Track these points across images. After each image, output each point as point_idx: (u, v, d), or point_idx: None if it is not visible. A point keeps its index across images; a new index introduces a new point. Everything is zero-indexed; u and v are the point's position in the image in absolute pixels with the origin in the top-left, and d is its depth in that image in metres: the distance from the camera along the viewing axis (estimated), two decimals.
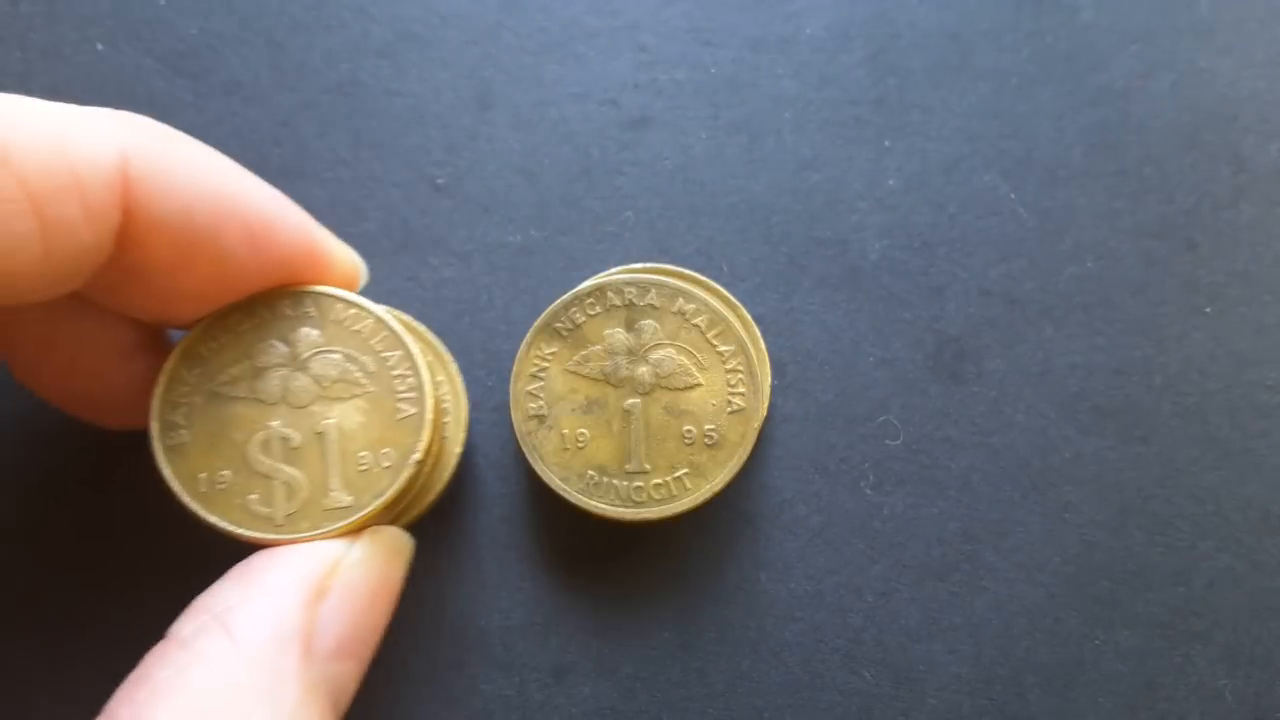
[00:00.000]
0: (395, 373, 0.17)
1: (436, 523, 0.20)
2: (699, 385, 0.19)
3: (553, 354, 0.19)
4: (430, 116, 0.22)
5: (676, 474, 0.19)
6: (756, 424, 0.19)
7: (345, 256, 0.18)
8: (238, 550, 0.16)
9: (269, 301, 0.17)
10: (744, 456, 0.19)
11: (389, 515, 0.17)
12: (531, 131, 0.22)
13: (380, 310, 0.17)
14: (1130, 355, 0.21)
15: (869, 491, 0.20)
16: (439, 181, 0.22)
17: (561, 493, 0.19)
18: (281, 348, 0.17)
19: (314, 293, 0.17)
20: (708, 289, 0.20)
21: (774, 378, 0.21)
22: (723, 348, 0.19)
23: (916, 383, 0.21)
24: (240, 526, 0.16)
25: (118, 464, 0.20)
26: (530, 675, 0.20)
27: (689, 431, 0.19)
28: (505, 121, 0.22)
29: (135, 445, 0.18)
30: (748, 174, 0.22)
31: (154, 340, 0.18)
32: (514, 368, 0.19)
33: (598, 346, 0.19)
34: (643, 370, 0.19)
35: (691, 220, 0.22)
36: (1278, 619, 0.20)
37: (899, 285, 0.21)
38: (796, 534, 0.20)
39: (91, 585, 0.20)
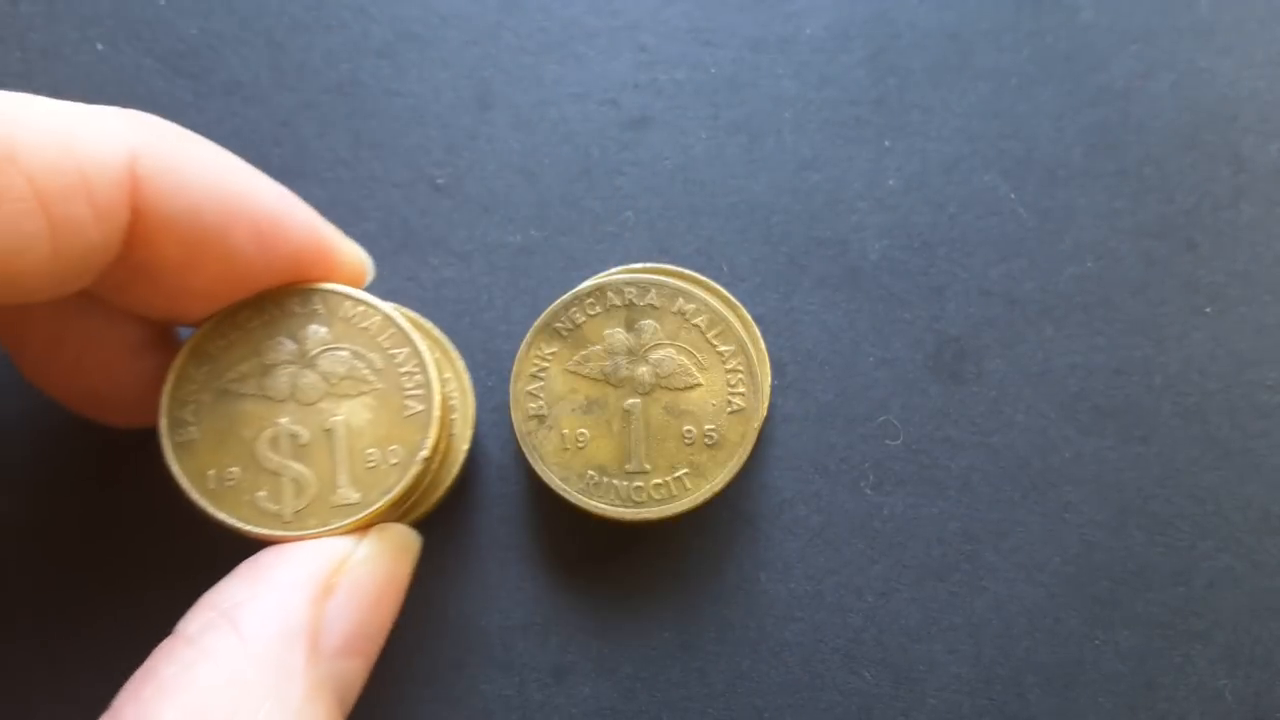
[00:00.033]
0: (403, 370, 0.17)
1: (437, 523, 0.20)
2: (699, 385, 0.19)
3: (553, 354, 0.19)
4: (430, 116, 0.22)
5: (676, 474, 0.19)
6: (756, 424, 0.19)
7: (352, 253, 0.18)
8: (246, 547, 0.16)
9: (277, 299, 0.17)
10: (744, 456, 0.19)
11: (396, 512, 0.17)
12: (531, 131, 0.22)
13: (388, 307, 0.18)
14: (1130, 355, 0.21)
15: (869, 491, 0.20)
16: (439, 181, 0.22)
17: (561, 493, 0.19)
18: (290, 345, 0.17)
19: (322, 290, 0.17)
20: (708, 289, 0.20)
21: (774, 378, 0.21)
22: (723, 348, 0.19)
23: (916, 383, 0.21)
24: (248, 523, 0.16)
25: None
26: (530, 675, 0.20)
27: (689, 431, 0.19)
28: (505, 121, 0.22)
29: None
30: (748, 174, 0.22)
31: (162, 338, 0.18)
32: (514, 368, 0.19)
33: (598, 346, 0.19)
34: (643, 370, 0.19)
35: (691, 220, 0.22)
36: (1278, 619, 0.20)
37: (899, 285, 0.21)
38: (796, 534, 0.20)
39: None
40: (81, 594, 0.20)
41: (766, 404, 0.20)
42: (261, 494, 0.17)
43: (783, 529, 0.20)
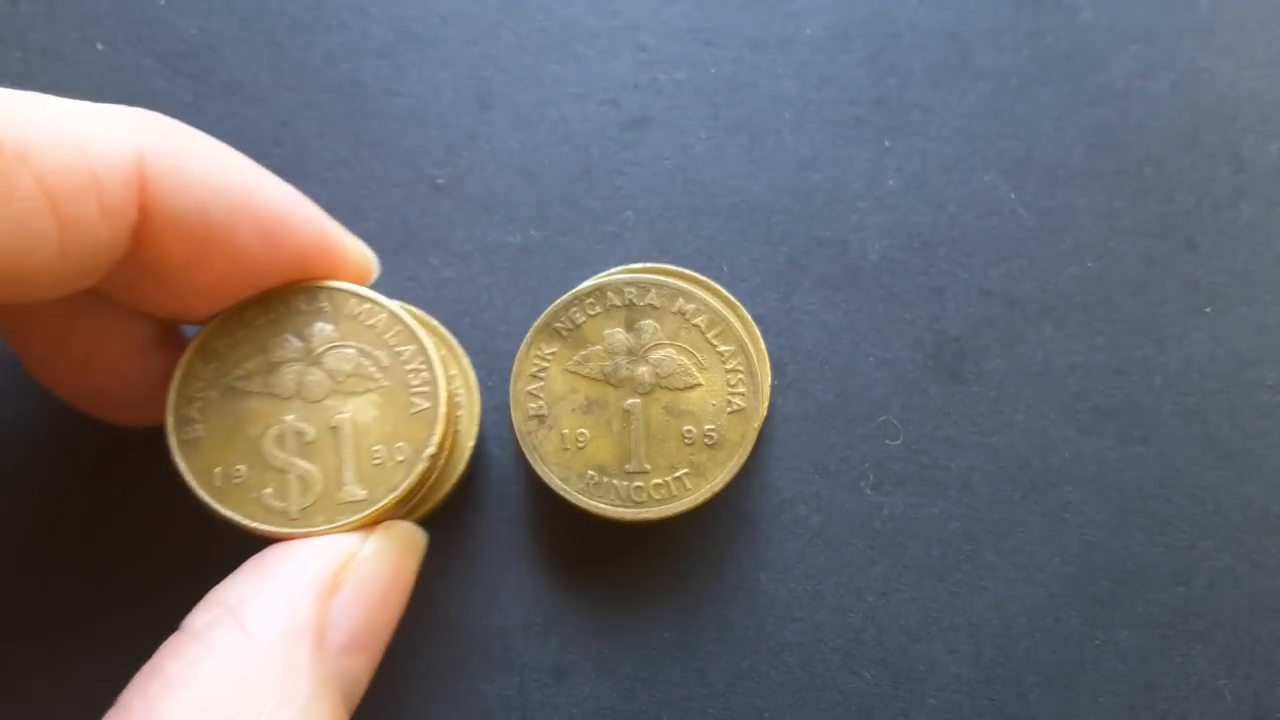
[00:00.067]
0: (409, 367, 0.17)
1: (437, 523, 0.19)
2: (699, 385, 0.19)
3: (553, 354, 0.19)
4: (430, 116, 0.22)
5: (676, 474, 0.19)
6: (756, 424, 0.19)
7: (357, 251, 0.18)
8: (252, 544, 0.16)
9: (283, 297, 0.17)
10: (744, 456, 0.19)
11: (403, 509, 0.17)
12: (531, 131, 0.22)
13: (394, 305, 0.18)
14: (1130, 355, 0.21)
15: (869, 491, 0.20)
16: (439, 181, 0.22)
17: (561, 493, 0.19)
18: (296, 343, 0.17)
19: (328, 288, 0.18)
20: (708, 289, 0.20)
21: (774, 378, 0.21)
22: (723, 348, 0.19)
23: (916, 383, 0.21)
24: (255, 520, 0.17)
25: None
26: (530, 675, 0.20)
27: (689, 431, 0.19)
28: (505, 121, 0.22)
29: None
30: (748, 174, 0.22)
31: (168, 336, 0.18)
32: (514, 368, 0.19)
33: (598, 346, 0.19)
34: (643, 370, 0.19)
35: (691, 220, 0.22)
36: (1278, 619, 0.20)
37: (899, 285, 0.21)
38: (796, 534, 0.20)
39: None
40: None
41: (766, 404, 0.20)
42: (268, 491, 0.17)
43: (783, 529, 0.20)
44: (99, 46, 0.22)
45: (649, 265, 0.20)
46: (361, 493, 0.17)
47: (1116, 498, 0.20)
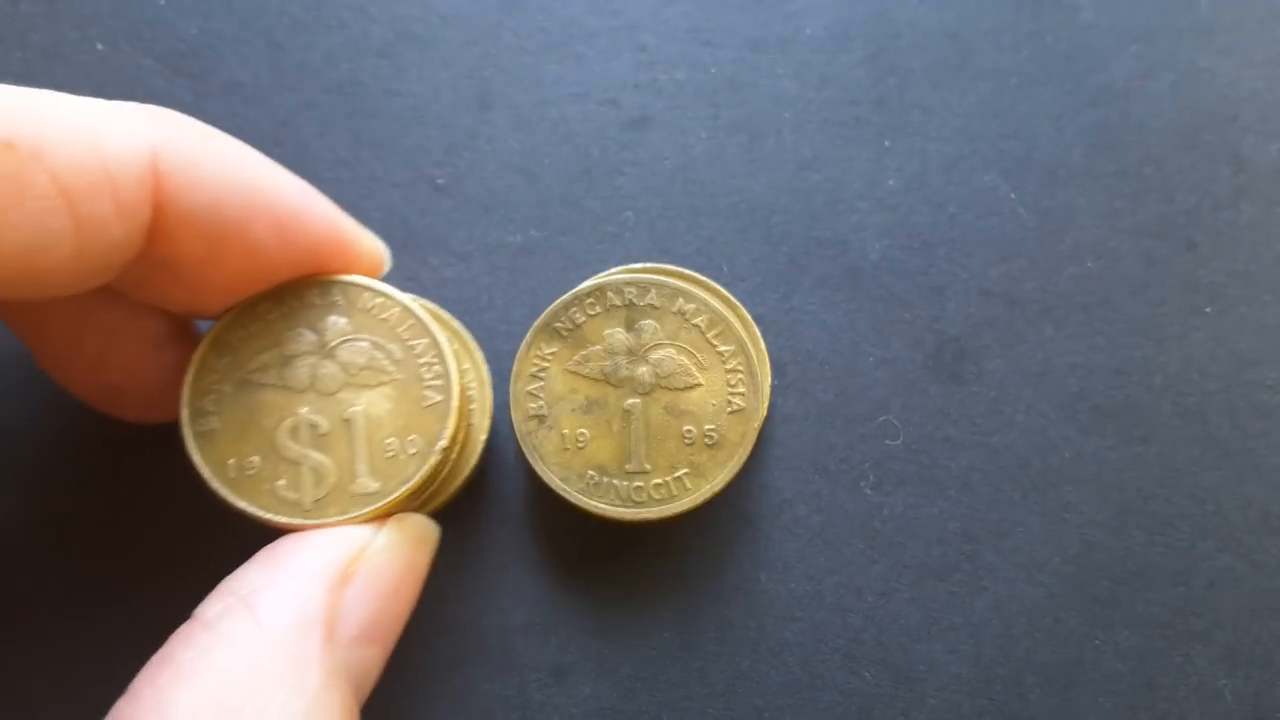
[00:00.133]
0: (422, 360, 0.17)
1: (438, 521, 0.20)
2: (699, 385, 0.19)
3: (553, 354, 0.19)
4: (430, 116, 0.22)
5: (676, 474, 0.19)
6: (756, 424, 0.19)
7: (370, 244, 0.18)
8: (264, 538, 0.16)
9: (297, 291, 0.17)
10: (744, 456, 0.19)
11: (415, 502, 0.17)
12: (531, 131, 0.22)
13: (407, 299, 0.18)
14: (1130, 355, 0.21)
15: (869, 491, 0.20)
16: (439, 181, 0.22)
17: (561, 493, 0.19)
18: (310, 336, 0.17)
19: (341, 282, 0.18)
20: (708, 289, 0.20)
21: (774, 378, 0.21)
22: (723, 348, 0.19)
23: (916, 383, 0.21)
24: (268, 511, 0.17)
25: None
26: (530, 675, 0.20)
27: (689, 431, 0.19)
28: (505, 121, 0.22)
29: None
30: (748, 174, 0.22)
31: (181, 331, 0.19)
32: (514, 368, 0.19)
33: (598, 346, 0.19)
34: (643, 370, 0.19)
35: (691, 220, 0.22)
36: (1278, 619, 0.20)
37: (899, 285, 0.21)
38: (796, 534, 0.20)
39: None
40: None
41: (766, 404, 0.20)
42: (281, 483, 0.17)
43: (783, 529, 0.20)
44: (99, 46, 0.22)
45: (649, 265, 0.20)
46: (374, 485, 0.17)
47: (1116, 498, 0.20)
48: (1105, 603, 0.20)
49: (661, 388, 0.19)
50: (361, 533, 0.16)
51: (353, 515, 0.17)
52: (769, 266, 0.21)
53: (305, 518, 0.17)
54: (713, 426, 0.19)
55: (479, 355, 0.20)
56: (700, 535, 0.20)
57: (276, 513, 0.17)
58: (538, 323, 0.19)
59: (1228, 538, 0.20)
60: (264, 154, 0.21)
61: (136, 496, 0.20)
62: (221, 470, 0.17)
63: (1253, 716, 0.20)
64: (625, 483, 0.19)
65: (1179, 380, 0.21)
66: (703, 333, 0.19)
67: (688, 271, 0.20)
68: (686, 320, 0.19)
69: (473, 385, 0.19)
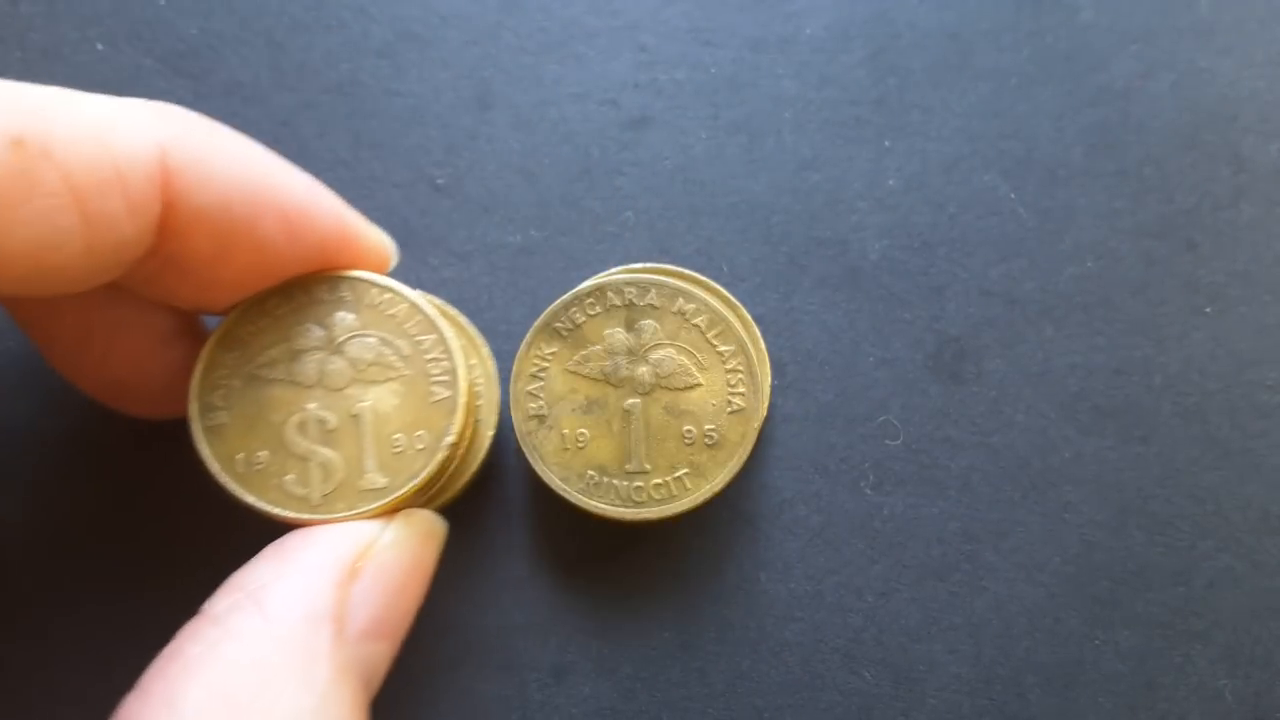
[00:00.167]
0: (429, 356, 0.17)
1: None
2: (699, 385, 0.19)
3: (553, 354, 0.19)
4: (430, 116, 0.22)
5: (676, 474, 0.19)
6: (756, 424, 0.19)
7: (378, 240, 0.18)
8: (272, 533, 0.16)
9: (305, 286, 0.18)
10: (744, 456, 0.19)
11: (423, 497, 0.18)
12: (531, 131, 0.22)
13: (414, 295, 0.18)
14: (1130, 355, 0.21)
15: (869, 491, 0.20)
16: (439, 181, 0.22)
17: (561, 493, 0.19)
18: (318, 331, 0.17)
19: (349, 277, 0.18)
20: (708, 289, 0.20)
21: (774, 378, 0.21)
22: (723, 348, 0.19)
23: (916, 383, 0.21)
24: (276, 506, 0.17)
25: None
26: (530, 675, 0.20)
27: (689, 431, 0.19)
28: (505, 121, 0.22)
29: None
30: (748, 174, 0.22)
31: (189, 327, 0.19)
32: (514, 368, 0.19)
33: (598, 346, 0.19)
34: (643, 370, 0.19)
35: (691, 220, 0.22)
36: (1278, 619, 0.20)
37: (899, 285, 0.21)
38: (796, 534, 0.20)
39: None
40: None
41: (766, 404, 0.20)
42: (289, 478, 0.17)
43: (783, 529, 0.20)
44: (99, 46, 0.22)
45: (649, 265, 0.20)
46: (382, 480, 0.17)
47: (1116, 498, 0.20)
48: (1105, 603, 0.20)
49: (661, 388, 0.19)
50: (369, 528, 0.16)
51: (361, 510, 0.17)
52: (769, 266, 0.21)
53: (313, 513, 0.17)
54: (713, 426, 0.19)
55: (486, 351, 0.20)
56: (700, 535, 0.20)
57: (285, 508, 0.17)
58: (538, 323, 0.19)
59: (1228, 538, 0.20)
60: None
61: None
62: (230, 465, 0.17)
63: (1253, 716, 0.20)
64: (625, 483, 0.19)
65: (1179, 380, 0.21)
66: (703, 333, 0.19)
67: (688, 271, 0.20)
68: (686, 320, 0.19)
69: (480, 381, 0.19)
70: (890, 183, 0.22)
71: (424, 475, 0.17)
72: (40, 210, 0.13)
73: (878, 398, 0.21)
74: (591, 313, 0.19)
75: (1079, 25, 0.22)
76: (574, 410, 0.19)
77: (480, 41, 0.22)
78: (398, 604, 0.16)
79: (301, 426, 0.17)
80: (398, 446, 0.17)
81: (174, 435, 0.18)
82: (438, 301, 0.19)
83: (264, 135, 0.21)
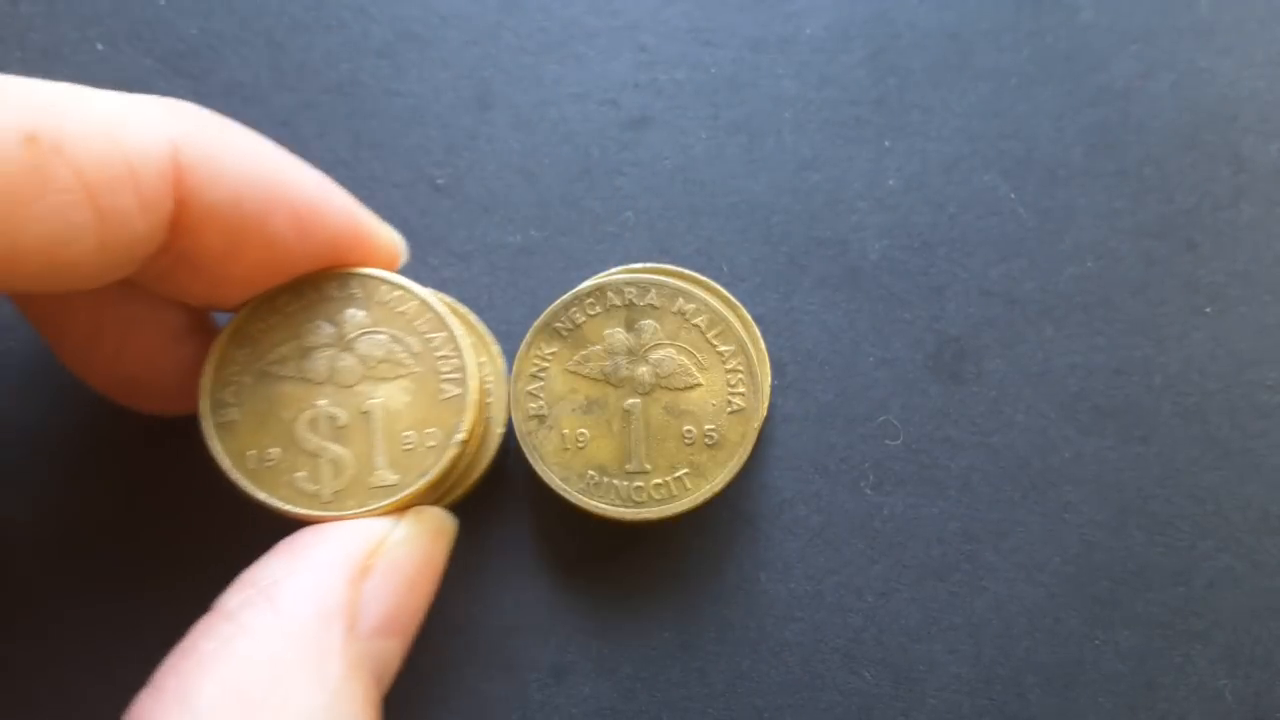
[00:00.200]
0: (439, 354, 0.17)
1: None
2: (699, 385, 0.19)
3: (553, 354, 0.19)
4: (430, 116, 0.22)
5: (676, 474, 0.19)
6: (756, 424, 0.19)
7: (388, 237, 0.18)
8: (283, 529, 0.16)
9: (316, 283, 0.18)
10: (744, 456, 0.19)
11: (433, 495, 0.18)
12: (531, 131, 0.22)
13: (425, 292, 0.18)
14: (1130, 355, 0.21)
15: (869, 491, 0.20)
16: (439, 181, 0.22)
17: (561, 493, 0.19)
18: (329, 328, 0.17)
19: (360, 274, 0.18)
20: (708, 289, 0.20)
21: (774, 378, 0.21)
22: (723, 348, 0.19)
23: (916, 383, 0.21)
24: (287, 503, 0.17)
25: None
26: (530, 675, 0.20)
27: (689, 431, 0.19)
28: (505, 121, 0.22)
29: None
30: (748, 174, 0.22)
31: (200, 324, 0.19)
32: (514, 367, 0.19)
33: (598, 346, 0.19)
34: (643, 370, 0.19)
35: (691, 220, 0.22)
36: (1278, 619, 0.20)
37: (899, 285, 0.21)
38: (796, 534, 0.20)
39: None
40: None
41: (766, 404, 0.20)
42: (300, 474, 0.17)
43: (783, 529, 0.20)
44: (99, 46, 0.22)
45: (649, 265, 0.20)
46: (393, 477, 0.17)
47: (1116, 498, 0.20)
48: (1105, 603, 0.20)
49: (661, 388, 0.19)
50: (380, 525, 0.16)
51: (371, 507, 0.17)
52: (769, 266, 0.21)
53: (324, 509, 0.17)
54: (713, 426, 0.19)
55: (495, 349, 0.20)
56: (700, 535, 0.20)
57: (296, 504, 0.17)
58: (538, 323, 0.19)
59: (1228, 538, 0.20)
60: None
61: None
62: (241, 461, 0.17)
63: (1253, 716, 0.20)
64: (625, 483, 0.19)
65: (1179, 380, 0.21)
66: (703, 333, 0.19)
67: (688, 271, 0.20)
68: (686, 320, 0.19)
69: (490, 378, 0.19)
70: (890, 183, 0.22)
71: (435, 472, 0.17)
72: (53, 206, 0.13)
73: (878, 398, 0.21)
74: (591, 313, 0.19)
75: (1079, 25, 0.22)
76: (574, 410, 0.19)
77: (480, 41, 0.22)
78: (409, 601, 0.16)
79: (312, 423, 0.17)
80: (408, 444, 0.17)
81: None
82: (448, 299, 0.19)
83: (264, 135, 0.21)
